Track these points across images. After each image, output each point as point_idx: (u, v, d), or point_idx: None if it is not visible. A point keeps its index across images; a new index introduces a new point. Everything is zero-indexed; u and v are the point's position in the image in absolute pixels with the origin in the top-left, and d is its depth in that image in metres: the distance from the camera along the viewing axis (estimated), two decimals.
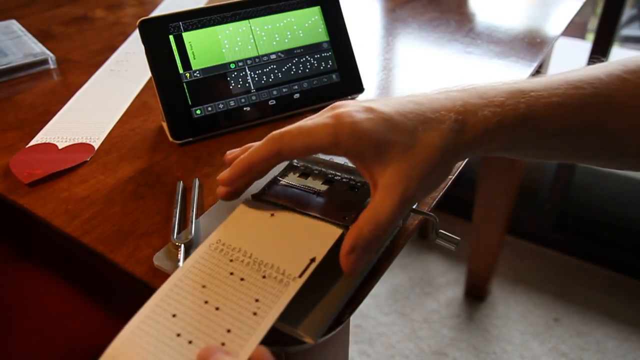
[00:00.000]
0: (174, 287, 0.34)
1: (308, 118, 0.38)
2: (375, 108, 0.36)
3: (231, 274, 0.35)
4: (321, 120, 0.36)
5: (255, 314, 0.32)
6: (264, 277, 0.34)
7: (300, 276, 0.34)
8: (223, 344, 0.31)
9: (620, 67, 0.39)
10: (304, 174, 0.44)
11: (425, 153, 0.35)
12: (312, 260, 0.35)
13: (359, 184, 0.43)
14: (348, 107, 0.36)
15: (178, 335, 0.31)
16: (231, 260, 0.36)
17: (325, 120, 0.36)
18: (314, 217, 0.39)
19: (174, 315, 0.32)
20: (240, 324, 0.32)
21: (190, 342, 0.31)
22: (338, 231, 0.38)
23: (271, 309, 0.32)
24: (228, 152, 0.42)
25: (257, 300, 0.33)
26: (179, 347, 0.30)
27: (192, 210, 0.44)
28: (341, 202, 0.41)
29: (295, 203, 0.40)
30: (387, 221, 0.34)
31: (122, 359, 0.30)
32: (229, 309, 0.33)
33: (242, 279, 0.34)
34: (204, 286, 0.34)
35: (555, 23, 0.81)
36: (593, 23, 1.51)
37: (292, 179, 0.43)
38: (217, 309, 0.33)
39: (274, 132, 0.37)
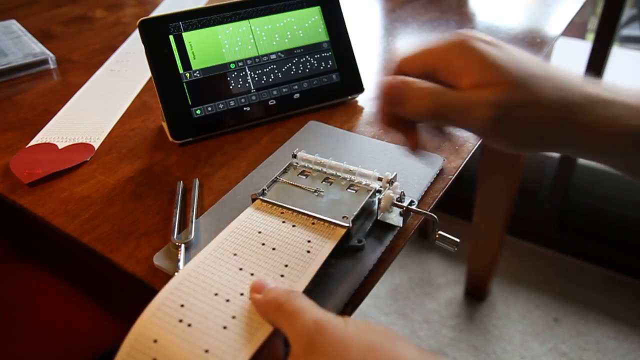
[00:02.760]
0: (232, 233, 0.38)
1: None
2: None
3: (283, 222, 0.39)
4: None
5: (308, 251, 0.36)
6: (313, 223, 0.39)
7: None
8: (282, 276, 0.34)
9: None
10: (304, 174, 0.44)
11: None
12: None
13: (358, 183, 0.43)
14: (475, 34, 0.35)
15: (240, 269, 0.35)
16: (282, 213, 0.40)
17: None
18: (315, 217, 0.39)
19: (235, 255, 0.36)
20: (296, 259, 0.36)
21: (252, 274, 0.35)
22: (341, 231, 0.38)
23: (322, 247, 0.37)
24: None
25: (309, 241, 0.37)
26: (242, 278, 0.34)
27: (192, 210, 0.44)
28: (341, 201, 0.41)
29: (295, 203, 0.41)
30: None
31: (190, 285, 0.33)
32: (284, 248, 0.37)
33: (293, 226, 0.39)
34: (259, 232, 0.38)
35: (555, 23, 0.81)
36: (593, 23, 1.51)
37: (292, 178, 0.43)
38: (273, 249, 0.37)
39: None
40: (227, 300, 0.33)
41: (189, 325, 0.31)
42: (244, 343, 0.30)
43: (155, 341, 0.31)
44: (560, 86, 0.33)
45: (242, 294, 0.33)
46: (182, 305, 0.32)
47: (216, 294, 0.33)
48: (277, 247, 0.37)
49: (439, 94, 0.34)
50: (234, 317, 0.32)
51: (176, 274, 0.35)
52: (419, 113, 0.34)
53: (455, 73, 0.34)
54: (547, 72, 0.34)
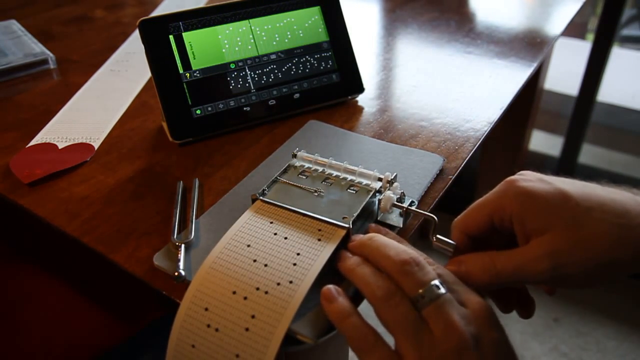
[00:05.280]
0: (245, 224, 0.38)
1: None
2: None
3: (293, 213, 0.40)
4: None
5: (319, 239, 0.37)
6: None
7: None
8: (294, 265, 0.35)
9: None
10: (304, 174, 0.44)
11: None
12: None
13: (358, 183, 0.42)
14: (524, 176, 0.36)
15: (254, 261, 0.36)
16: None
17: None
18: (314, 218, 0.39)
19: (248, 246, 0.37)
20: (308, 248, 0.36)
21: (265, 265, 0.35)
22: (341, 232, 0.38)
23: (333, 235, 0.37)
24: None
25: (319, 230, 0.38)
26: (256, 270, 0.35)
27: (192, 210, 0.44)
28: (341, 201, 0.41)
29: (295, 203, 0.40)
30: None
31: (208, 284, 0.35)
32: (296, 237, 0.37)
33: (304, 215, 0.39)
34: (271, 222, 0.39)
35: (555, 23, 0.81)
36: (593, 23, 1.51)
37: (292, 178, 0.43)
38: (285, 238, 0.37)
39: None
40: (245, 298, 0.34)
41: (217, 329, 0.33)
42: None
43: (193, 346, 0.33)
44: (619, 213, 0.33)
45: (257, 289, 0.34)
46: (206, 309, 0.34)
47: (234, 292, 0.34)
48: (289, 237, 0.37)
49: (491, 266, 0.34)
50: (253, 317, 0.33)
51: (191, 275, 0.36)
52: (481, 287, 0.35)
53: (510, 219, 0.35)
54: (602, 200, 0.33)
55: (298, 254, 0.36)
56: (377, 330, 0.33)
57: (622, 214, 0.33)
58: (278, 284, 0.34)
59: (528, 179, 0.35)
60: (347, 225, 0.38)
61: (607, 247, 0.32)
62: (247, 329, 0.33)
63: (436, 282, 0.32)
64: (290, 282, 0.34)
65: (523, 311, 0.39)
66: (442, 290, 0.32)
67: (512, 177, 0.35)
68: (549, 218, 0.33)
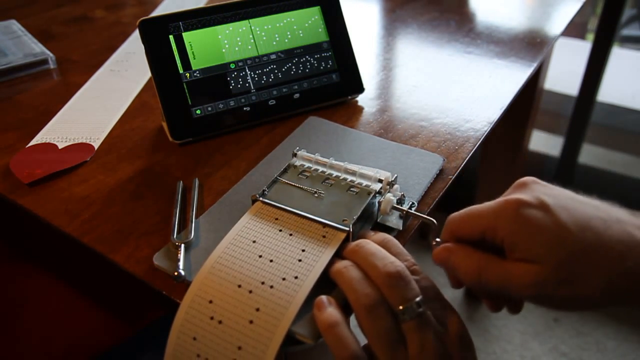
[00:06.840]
0: (248, 222, 0.39)
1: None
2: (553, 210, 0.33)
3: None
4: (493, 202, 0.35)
5: (324, 236, 0.38)
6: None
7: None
8: (300, 260, 0.36)
9: None
10: (304, 174, 0.44)
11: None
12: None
13: (358, 184, 0.42)
14: (526, 196, 0.34)
15: (260, 256, 0.36)
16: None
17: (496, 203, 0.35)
18: (316, 220, 0.39)
19: (254, 242, 0.37)
20: (312, 244, 0.37)
21: (271, 260, 0.36)
22: (341, 235, 0.38)
23: (333, 237, 0.38)
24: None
25: (324, 226, 0.38)
26: (262, 265, 0.36)
27: (192, 210, 0.44)
28: (341, 203, 0.41)
29: (295, 204, 0.40)
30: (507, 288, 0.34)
31: (214, 278, 0.35)
32: (300, 234, 0.38)
33: (304, 218, 0.40)
34: (276, 219, 0.39)
35: (555, 23, 0.81)
36: (593, 23, 1.51)
37: (292, 179, 0.43)
38: (290, 234, 0.38)
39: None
40: (250, 292, 0.34)
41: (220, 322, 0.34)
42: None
43: (194, 339, 0.33)
44: (614, 259, 0.32)
45: (263, 283, 0.34)
46: (210, 302, 0.34)
47: (239, 286, 0.34)
48: (294, 233, 0.38)
49: (475, 274, 0.34)
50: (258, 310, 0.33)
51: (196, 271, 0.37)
52: (465, 284, 0.36)
53: (502, 241, 0.34)
54: (599, 245, 0.32)
55: (303, 251, 0.36)
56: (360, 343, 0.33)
57: (616, 261, 0.32)
58: (283, 279, 0.34)
59: (530, 202, 0.34)
60: (347, 229, 0.38)
61: (594, 291, 0.32)
62: (251, 322, 0.33)
63: (418, 299, 0.33)
64: (296, 277, 0.34)
65: (512, 307, 0.39)
66: (422, 309, 0.33)
67: (515, 198, 0.34)
68: (543, 252, 0.32)
